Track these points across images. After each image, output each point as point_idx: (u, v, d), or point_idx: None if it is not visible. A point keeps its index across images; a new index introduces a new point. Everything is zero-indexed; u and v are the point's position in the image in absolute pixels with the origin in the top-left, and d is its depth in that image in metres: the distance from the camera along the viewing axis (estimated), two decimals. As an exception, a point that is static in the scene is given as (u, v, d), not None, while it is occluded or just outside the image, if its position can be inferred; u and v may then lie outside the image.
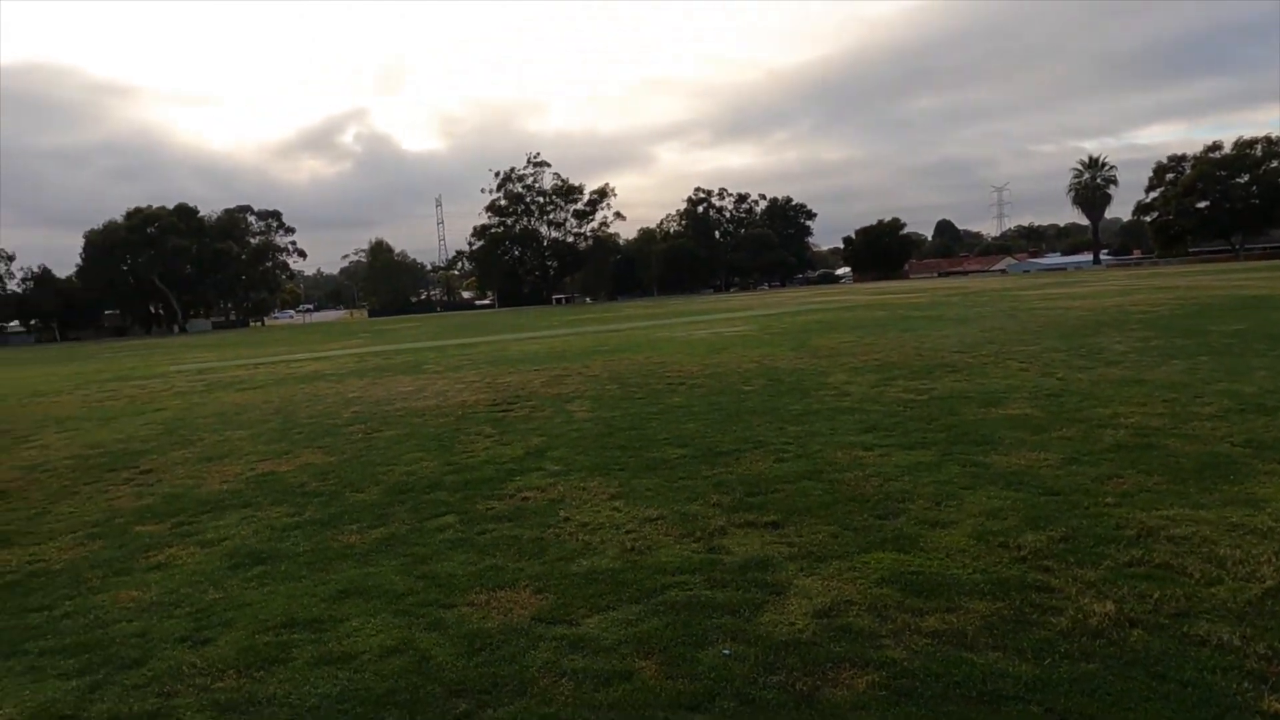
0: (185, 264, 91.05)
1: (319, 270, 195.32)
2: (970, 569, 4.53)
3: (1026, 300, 29.70)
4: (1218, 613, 3.86)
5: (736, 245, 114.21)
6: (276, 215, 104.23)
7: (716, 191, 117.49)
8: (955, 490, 6.01)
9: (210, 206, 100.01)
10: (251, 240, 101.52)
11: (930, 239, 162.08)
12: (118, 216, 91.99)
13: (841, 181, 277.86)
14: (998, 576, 4.40)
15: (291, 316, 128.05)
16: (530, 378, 15.30)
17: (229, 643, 4.25)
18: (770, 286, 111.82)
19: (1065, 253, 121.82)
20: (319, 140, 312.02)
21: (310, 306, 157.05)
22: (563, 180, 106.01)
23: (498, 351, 23.10)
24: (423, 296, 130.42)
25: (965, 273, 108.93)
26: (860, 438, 8.00)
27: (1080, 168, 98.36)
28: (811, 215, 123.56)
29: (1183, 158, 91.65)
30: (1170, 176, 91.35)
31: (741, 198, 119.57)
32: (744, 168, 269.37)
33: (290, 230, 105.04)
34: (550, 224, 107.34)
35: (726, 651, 3.77)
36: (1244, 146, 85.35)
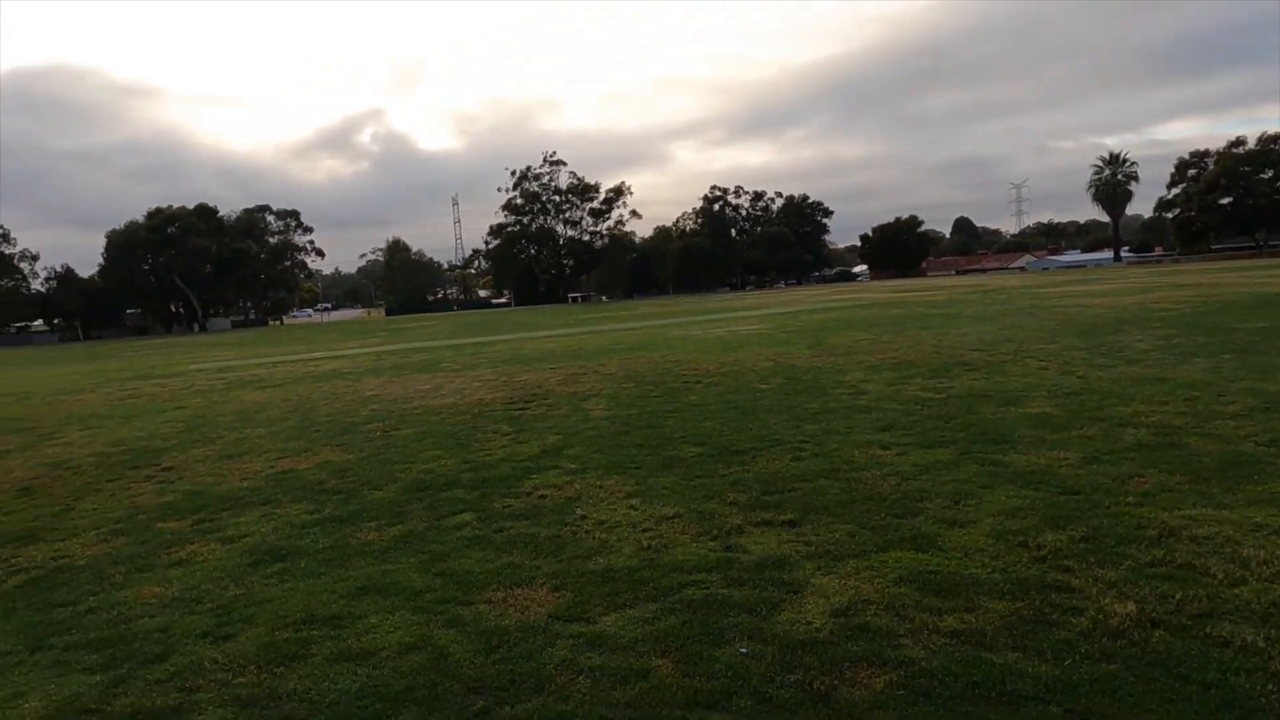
0: (205, 263, 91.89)
1: (337, 269, 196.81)
2: (989, 568, 4.50)
3: (1046, 298, 29.44)
4: (1241, 614, 3.81)
5: (752, 243, 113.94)
6: (295, 215, 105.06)
7: (732, 189, 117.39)
8: (974, 489, 5.97)
9: (230, 206, 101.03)
10: (270, 240, 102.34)
11: (948, 236, 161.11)
12: (139, 216, 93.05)
13: (858, 179, 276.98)
14: (1017, 576, 4.37)
15: (310, 315, 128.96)
16: (546, 376, 15.34)
17: (249, 639, 4.29)
18: (786, 285, 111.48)
19: (1085, 250, 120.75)
20: (336, 140, 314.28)
21: (328, 305, 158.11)
22: (579, 179, 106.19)
23: (514, 350, 23.17)
24: (439, 295, 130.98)
25: (984, 270, 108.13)
26: (877, 436, 7.96)
27: (1101, 164, 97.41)
28: (828, 213, 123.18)
29: (1205, 153, 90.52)
30: (1193, 172, 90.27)
31: (758, 195, 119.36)
32: (760, 165, 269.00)
33: (308, 230, 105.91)
34: (566, 222, 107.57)
35: (744, 650, 3.77)
36: (1268, 141, 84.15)
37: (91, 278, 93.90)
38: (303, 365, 23.43)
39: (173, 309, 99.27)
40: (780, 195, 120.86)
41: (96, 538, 6.51)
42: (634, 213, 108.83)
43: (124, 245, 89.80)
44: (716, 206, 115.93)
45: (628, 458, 7.84)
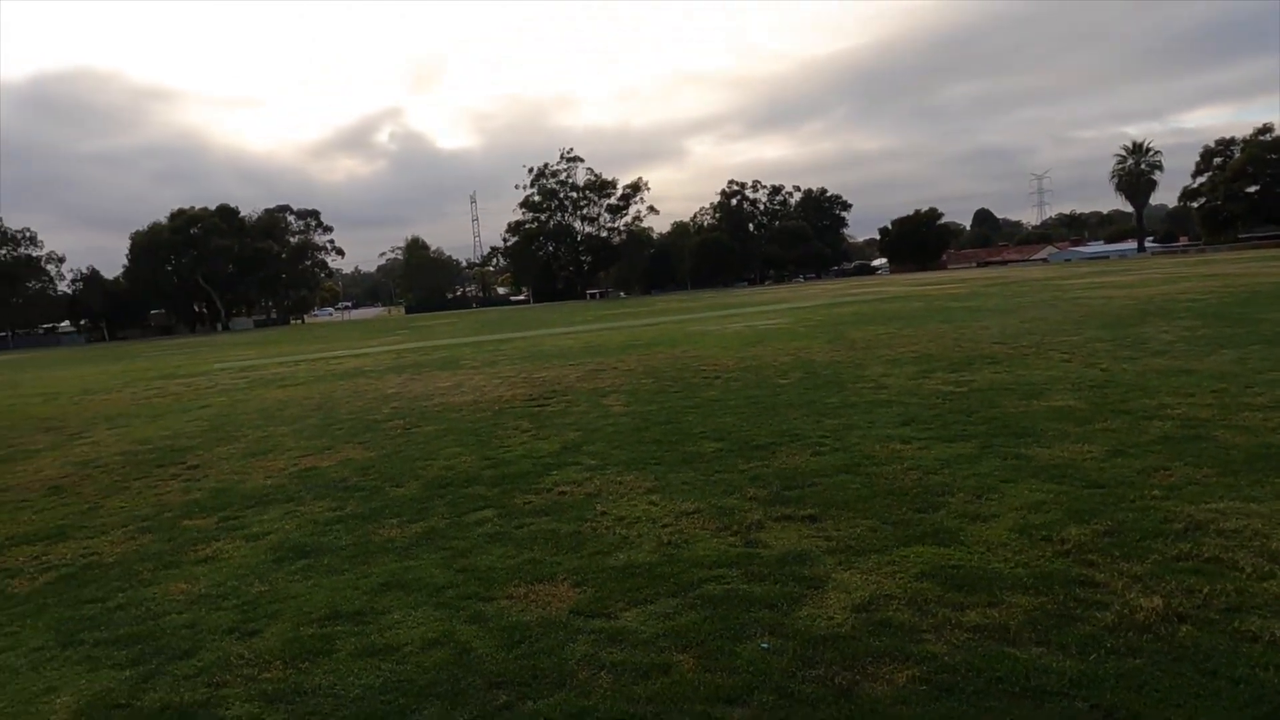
0: (227, 263, 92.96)
1: (357, 268, 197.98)
2: (1012, 563, 4.47)
3: (1068, 289, 29.12)
4: (1271, 608, 3.76)
5: (771, 238, 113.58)
6: (315, 214, 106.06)
7: (750, 184, 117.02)
8: (996, 483, 5.92)
9: (250, 207, 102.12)
10: (291, 239, 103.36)
11: (969, 229, 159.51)
12: (162, 218, 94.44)
13: (877, 171, 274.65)
14: (1040, 570, 4.33)
15: (331, 314, 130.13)
16: (565, 372, 15.38)
17: (275, 634, 4.34)
18: (805, 279, 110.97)
19: (1109, 241, 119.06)
20: (355, 140, 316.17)
21: (349, 304, 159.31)
22: (596, 175, 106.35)
23: (533, 347, 23.24)
24: (458, 293, 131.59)
25: (1005, 262, 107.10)
26: (898, 430, 7.92)
27: (1124, 153, 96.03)
28: (847, 206, 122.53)
29: (1231, 141, 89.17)
30: (1218, 160, 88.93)
31: (775, 189, 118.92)
32: (778, 159, 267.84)
33: (328, 229, 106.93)
34: (584, 219, 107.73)
35: (765, 645, 3.77)
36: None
37: (116, 279, 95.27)
38: (324, 364, 23.63)
39: (196, 309, 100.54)
40: (798, 189, 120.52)
41: (125, 535, 6.60)
42: (651, 208, 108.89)
43: (148, 246, 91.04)
44: (734, 201, 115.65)
45: (647, 453, 7.84)
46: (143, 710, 3.68)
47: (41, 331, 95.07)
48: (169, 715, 3.63)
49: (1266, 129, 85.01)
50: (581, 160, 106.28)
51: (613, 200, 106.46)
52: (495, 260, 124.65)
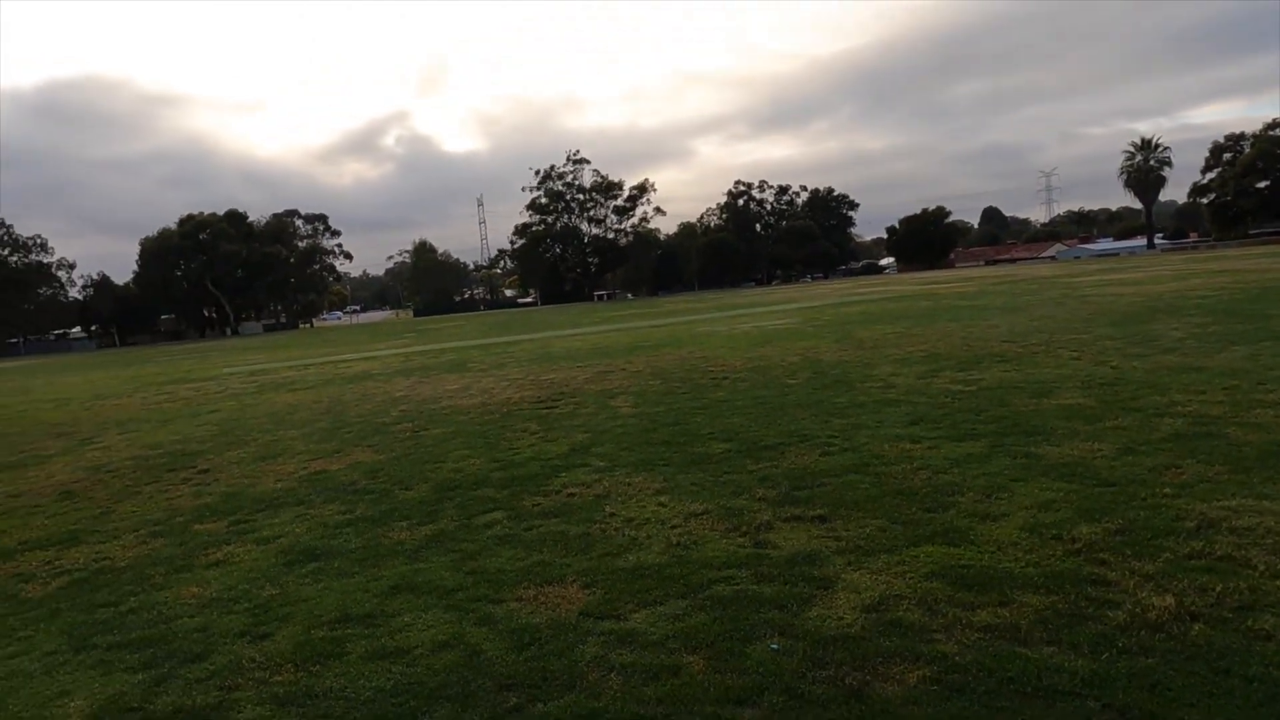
0: (236, 268, 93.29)
1: (365, 271, 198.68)
2: (1022, 562, 4.45)
3: (1077, 287, 28.99)
4: (1284, 606, 3.73)
5: (778, 238, 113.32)
6: (323, 218, 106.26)
7: (757, 184, 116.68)
8: (1006, 482, 5.90)
9: (259, 211, 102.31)
10: (299, 243, 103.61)
11: (976, 227, 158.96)
12: (171, 223, 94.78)
13: (884, 170, 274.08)
14: (1051, 570, 4.31)
15: (339, 318, 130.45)
16: (573, 374, 15.39)
17: (286, 637, 4.36)
18: (813, 278, 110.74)
19: (1118, 237, 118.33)
20: (362, 143, 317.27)
21: (357, 307, 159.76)
22: (602, 177, 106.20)
23: (541, 349, 23.26)
24: (466, 295, 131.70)
25: (1013, 260, 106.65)
26: (907, 430, 7.90)
27: (1132, 150, 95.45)
28: (854, 205, 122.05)
29: (1241, 136, 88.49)
30: (1228, 156, 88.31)
31: (782, 189, 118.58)
32: (784, 159, 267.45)
33: (336, 233, 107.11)
34: (591, 221, 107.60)
35: (774, 646, 3.76)
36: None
37: (126, 284, 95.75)
38: (333, 367, 23.71)
39: (206, 313, 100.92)
40: (805, 189, 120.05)
41: (136, 539, 6.64)
42: (658, 209, 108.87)
43: (157, 252, 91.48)
44: (741, 201, 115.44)
45: (656, 455, 7.84)
46: (155, 713, 3.70)
47: (53, 337, 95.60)
48: (181, 718, 3.65)
49: (1276, 124, 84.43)
50: (588, 162, 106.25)
51: (619, 202, 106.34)
52: (502, 262, 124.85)
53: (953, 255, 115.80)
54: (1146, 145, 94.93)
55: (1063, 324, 16.49)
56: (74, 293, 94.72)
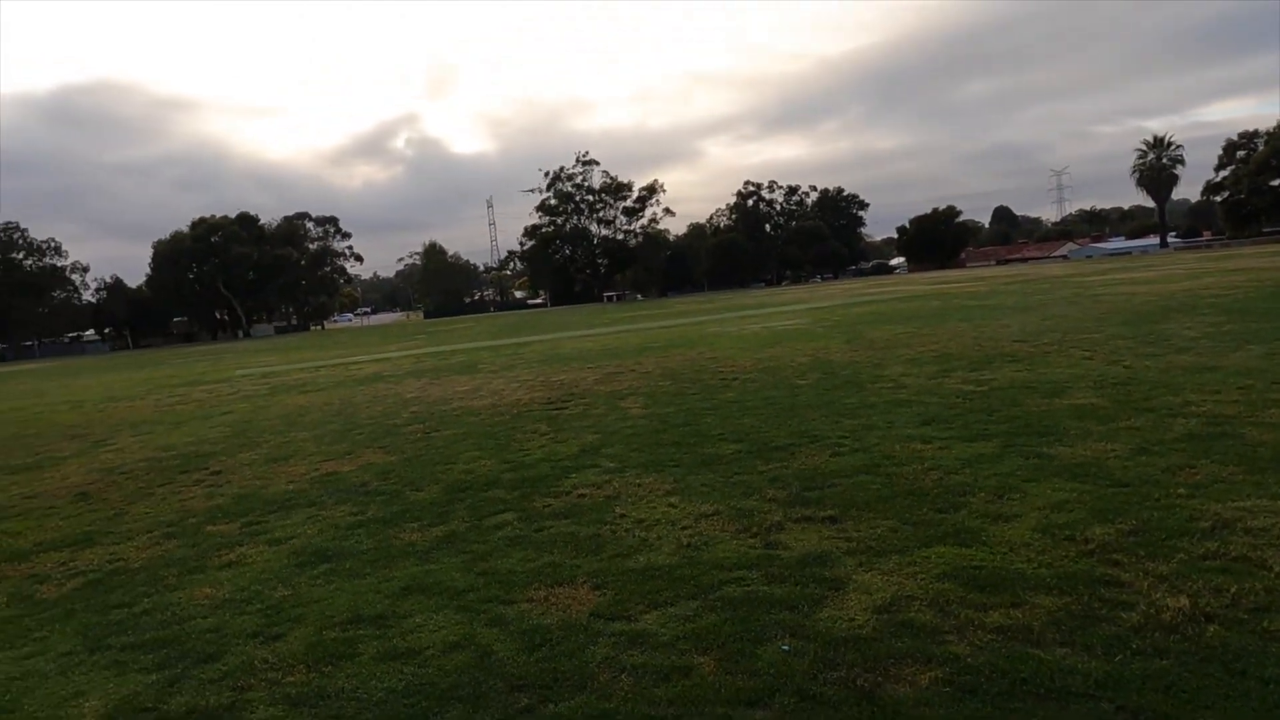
0: (248, 270, 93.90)
1: (375, 274, 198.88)
2: (1035, 563, 4.43)
3: (1089, 286, 28.82)
4: (1300, 607, 3.70)
5: (788, 238, 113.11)
6: (333, 221, 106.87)
7: (766, 184, 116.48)
8: (1018, 483, 5.87)
9: (270, 214, 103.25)
10: (310, 246, 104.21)
11: (987, 226, 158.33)
12: (183, 226, 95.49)
13: (894, 170, 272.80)
14: (1064, 570, 4.29)
15: (350, 319, 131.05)
16: (583, 375, 15.40)
17: (298, 638, 4.38)
18: (823, 279, 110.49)
19: (1130, 236, 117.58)
20: (372, 146, 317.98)
21: (368, 309, 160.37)
22: (611, 178, 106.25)
23: (551, 350, 23.30)
24: (476, 297, 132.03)
25: (1024, 259, 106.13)
26: (918, 430, 7.87)
27: (1144, 148, 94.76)
28: (864, 205, 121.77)
29: (1254, 133, 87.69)
30: (1241, 154, 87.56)
31: (792, 190, 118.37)
32: (793, 159, 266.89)
33: (347, 235, 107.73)
34: (600, 222, 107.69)
35: (785, 647, 3.76)
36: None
37: (139, 287, 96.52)
38: (344, 369, 23.81)
39: (218, 316, 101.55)
40: (814, 189, 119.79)
41: (150, 541, 6.68)
42: (667, 210, 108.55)
43: (170, 255, 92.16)
44: (750, 202, 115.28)
45: (666, 456, 7.84)
46: (169, 714, 3.73)
47: (67, 340, 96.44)
48: (195, 719, 3.67)
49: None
50: (597, 163, 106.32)
51: (629, 203, 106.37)
52: (512, 264, 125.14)
53: (963, 255, 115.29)
54: (1158, 143, 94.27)
55: (1075, 323, 16.39)
56: (87, 296, 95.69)
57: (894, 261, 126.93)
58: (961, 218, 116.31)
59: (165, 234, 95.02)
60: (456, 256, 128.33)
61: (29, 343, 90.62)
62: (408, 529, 6.23)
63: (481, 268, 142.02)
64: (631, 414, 10.42)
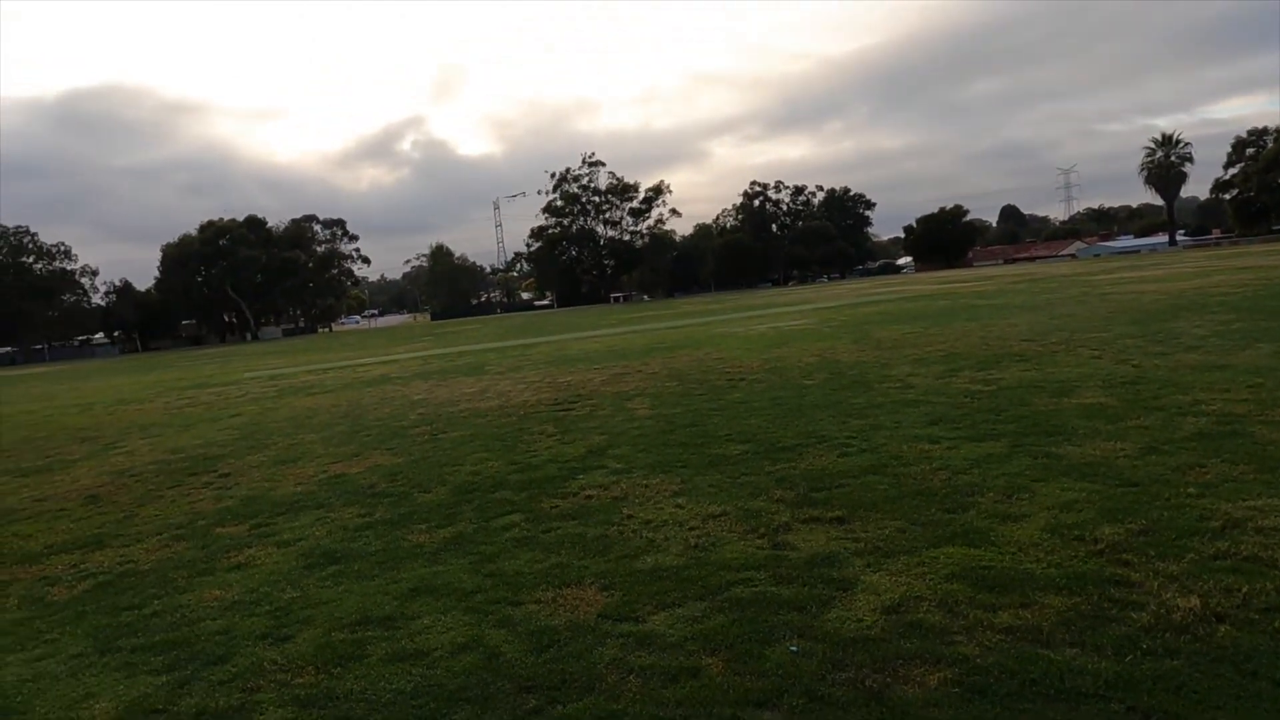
0: (255, 273, 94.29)
1: (382, 276, 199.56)
2: (1044, 563, 4.41)
3: (1098, 285, 28.70)
4: (1312, 607, 3.68)
5: (794, 238, 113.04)
6: (340, 223, 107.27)
7: (772, 184, 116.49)
8: (1027, 483, 5.85)
9: (277, 217, 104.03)
10: (317, 248, 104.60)
11: (995, 225, 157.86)
12: (191, 230, 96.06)
13: (900, 170, 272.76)
14: (1074, 571, 4.27)
15: (358, 322, 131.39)
16: (590, 376, 15.41)
17: (307, 640, 4.39)
18: (830, 279, 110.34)
19: (1139, 235, 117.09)
20: (378, 149, 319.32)
21: (375, 311, 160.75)
22: (618, 179, 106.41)
23: (557, 351, 23.31)
24: (483, 299, 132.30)
25: (1032, 258, 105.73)
26: (926, 430, 7.85)
27: (1153, 146, 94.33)
28: (870, 205, 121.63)
29: (1264, 131, 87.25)
30: (1251, 151, 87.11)
31: (798, 190, 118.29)
32: (799, 159, 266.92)
33: (354, 238, 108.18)
34: (606, 223, 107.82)
35: (794, 648, 3.75)
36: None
37: (148, 290, 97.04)
38: (352, 371, 23.87)
39: (226, 319, 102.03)
40: (821, 189, 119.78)
41: (159, 543, 6.71)
42: (674, 211, 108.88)
43: (178, 258, 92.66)
44: (756, 202, 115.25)
45: (673, 457, 7.84)
46: (179, 715, 3.74)
47: (76, 343, 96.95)
48: (205, 720, 3.68)
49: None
50: (603, 164, 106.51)
51: (635, 203, 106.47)
52: (519, 265, 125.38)
53: (971, 254, 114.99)
54: (1167, 141, 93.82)
55: (1083, 322, 16.33)
56: (97, 299, 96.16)
57: (901, 261, 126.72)
58: (969, 217, 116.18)
59: (173, 237, 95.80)
60: (463, 258, 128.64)
61: (39, 346, 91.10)
62: (415, 530, 6.24)
63: (488, 269, 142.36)
64: (638, 415, 10.42)
